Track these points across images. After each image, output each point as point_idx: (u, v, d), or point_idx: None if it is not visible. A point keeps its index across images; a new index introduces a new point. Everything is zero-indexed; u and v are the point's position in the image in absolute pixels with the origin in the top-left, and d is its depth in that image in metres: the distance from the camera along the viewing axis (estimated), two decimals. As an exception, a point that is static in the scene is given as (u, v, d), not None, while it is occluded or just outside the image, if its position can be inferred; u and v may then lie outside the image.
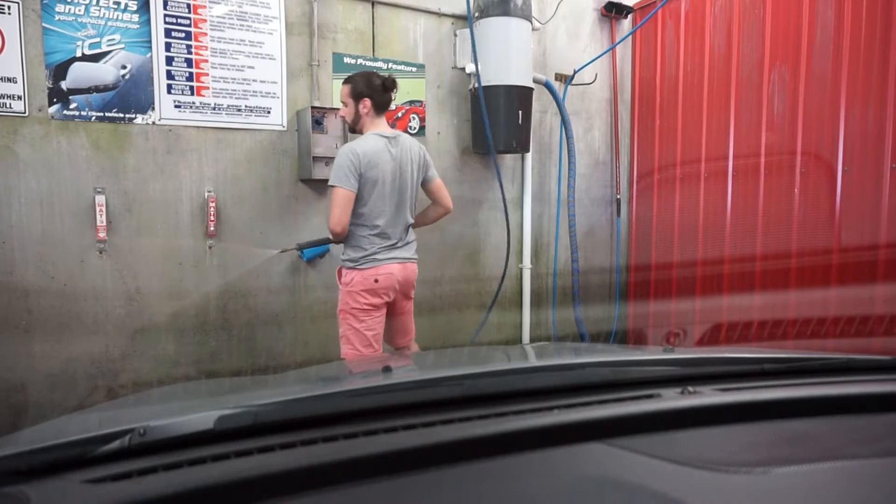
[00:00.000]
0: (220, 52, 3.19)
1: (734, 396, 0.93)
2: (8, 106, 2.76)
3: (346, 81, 2.83)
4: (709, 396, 0.93)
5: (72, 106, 2.89)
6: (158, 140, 3.07)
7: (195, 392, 1.51)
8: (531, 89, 3.79)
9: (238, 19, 3.22)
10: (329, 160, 3.34)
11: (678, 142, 4.12)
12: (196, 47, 3.13)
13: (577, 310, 4.23)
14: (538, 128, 4.19)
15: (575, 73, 4.25)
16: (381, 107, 2.77)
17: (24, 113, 2.80)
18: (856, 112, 3.14)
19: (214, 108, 3.19)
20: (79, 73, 2.89)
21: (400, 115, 3.72)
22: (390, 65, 3.67)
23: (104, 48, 2.93)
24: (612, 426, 0.83)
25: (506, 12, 3.60)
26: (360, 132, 2.81)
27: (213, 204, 3.17)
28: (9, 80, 2.76)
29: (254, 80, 3.27)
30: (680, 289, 4.05)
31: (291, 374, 1.74)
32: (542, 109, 4.19)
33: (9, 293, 2.82)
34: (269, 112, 3.32)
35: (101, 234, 2.93)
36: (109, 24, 2.93)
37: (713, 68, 3.86)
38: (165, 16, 3.05)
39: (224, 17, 3.19)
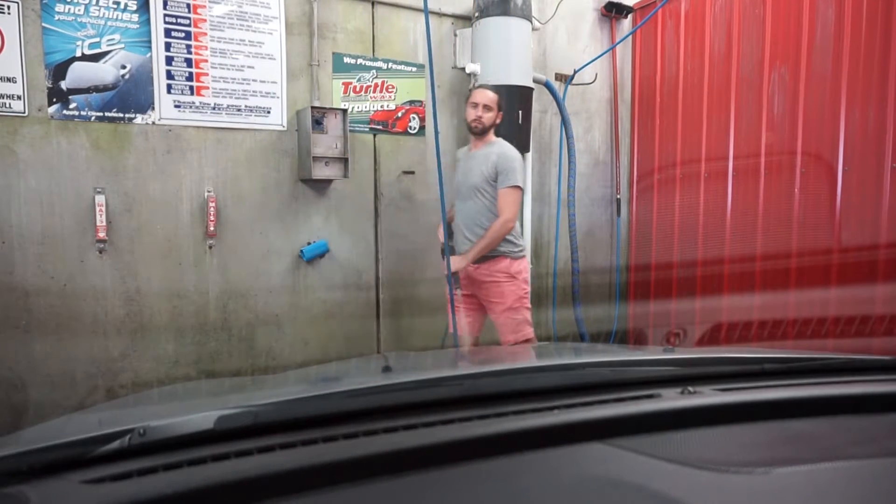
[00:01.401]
0: (220, 52, 3.19)
1: (734, 396, 0.93)
2: (8, 106, 2.76)
3: (492, 89, 3.11)
4: (709, 396, 0.93)
5: (71, 106, 2.88)
6: (158, 140, 3.07)
7: (195, 392, 1.51)
8: (531, 89, 3.79)
9: (238, 19, 3.22)
10: (329, 160, 3.35)
11: (678, 142, 4.11)
12: (196, 47, 3.13)
13: (577, 310, 4.23)
14: (538, 128, 4.19)
15: (575, 73, 4.25)
16: None
17: (24, 113, 2.80)
18: (856, 112, 3.14)
19: (214, 108, 3.19)
20: (78, 73, 2.89)
21: (400, 115, 3.72)
22: (390, 65, 3.67)
23: (104, 48, 2.93)
24: (612, 426, 0.83)
25: (506, 12, 3.60)
26: (484, 137, 3.08)
27: (213, 204, 3.16)
28: (8, 80, 2.76)
29: (254, 80, 3.27)
30: (680, 289, 4.05)
31: (291, 374, 1.74)
32: (542, 109, 4.19)
33: (9, 293, 2.82)
34: (269, 112, 3.32)
35: (101, 234, 2.93)
36: (109, 24, 2.93)
37: (713, 68, 3.86)
38: (165, 16, 3.05)
39: (224, 17, 3.19)
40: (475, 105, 3.04)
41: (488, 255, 3.01)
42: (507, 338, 3.04)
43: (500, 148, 3.04)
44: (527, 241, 4.14)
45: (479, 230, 2.99)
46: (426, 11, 2.81)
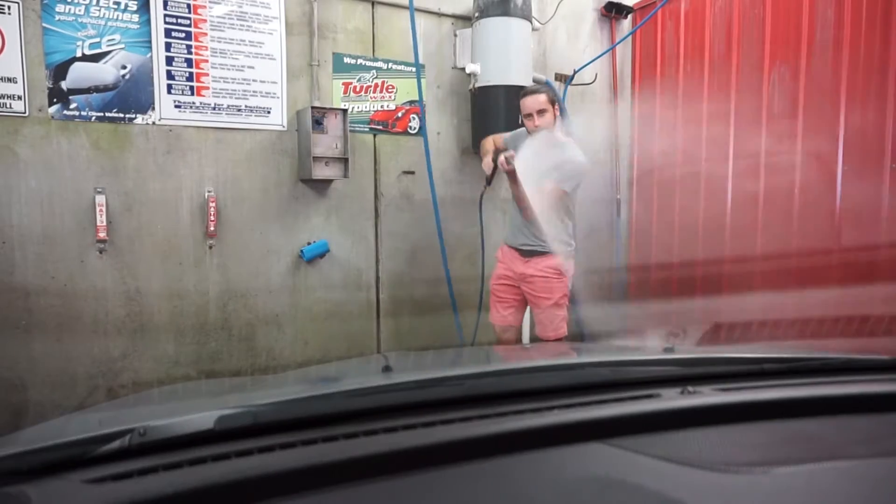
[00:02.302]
0: (220, 52, 3.19)
1: (734, 396, 0.94)
2: (8, 106, 2.76)
3: (539, 92, 3.01)
4: (709, 396, 0.93)
5: (72, 106, 2.89)
6: (158, 140, 3.07)
7: (195, 392, 1.51)
8: (531, 89, 3.79)
9: (238, 19, 3.22)
10: (329, 160, 3.35)
11: (678, 142, 4.11)
12: (196, 47, 3.13)
13: (577, 310, 4.23)
14: (538, 128, 4.18)
15: (575, 73, 4.25)
16: None
17: (25, 113, 2.80)
18: (855, 112, 3.13)
19: (214, 108, 3.19)
20: (79, 73, 2.89)
21: (400, 115, 3.72)
22: (390, 65, 3.67)
23: (104, 48, 2.93)
24: (612, 426, 0.83)
25: (506, 12, 3.60)
26: None
27: (213, 204, 3.17)
28: (9, 80, 2.76)
29: (254, 80, 3.27)
30: (680, 289, 4.05)
31: (291, 374, 1.74)
32: (542, 109, 4.18)
33: (9, 293, 2.82)
34: (269, 112, 3.32)
35: (102, 234, 2.93)
36: (109, 24, 2.93)
37: (713, 68, 3.86)
38: (165, 16, 3.05)
39: (224, 17, 3.19)
40: (529, 116, 2.97)
41: (541, 251, 3.04)
42: (546, 333, 3.10)
43: (568, 151, 2.99)
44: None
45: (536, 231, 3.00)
46: (411, 11, 2.79)
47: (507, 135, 3.24)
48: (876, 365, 1.13)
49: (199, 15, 3.13)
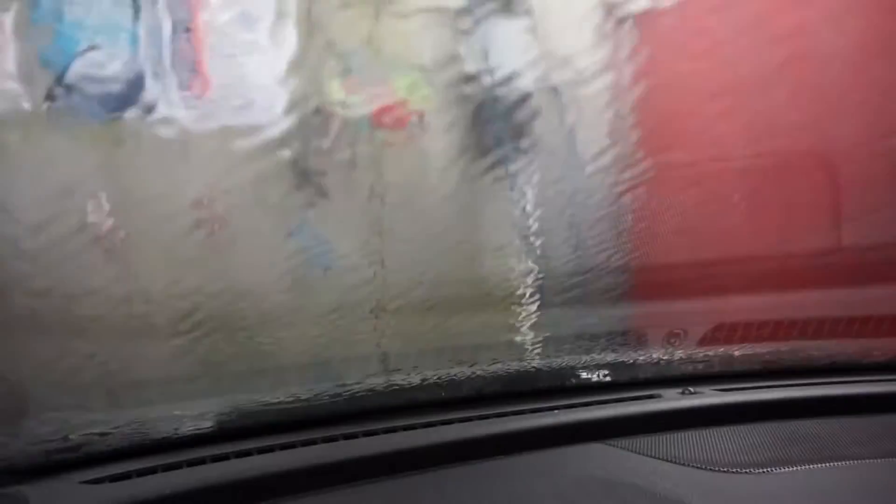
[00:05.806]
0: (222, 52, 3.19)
1: (735, 397, 0.94)
2: (5, 105, 2.76)
3: None
4: (709, 397, 0.94)
5: (71, 104, 2.88)
6: (159, 139, 3.07)
7: (195, 392, 1.51)
8: (531, 89, 3.79)
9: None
10: (329, 160, 3.35)
11: (678, 142, 4.11)
12: (198, 46, 3.13)
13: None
14: (538, 127, 4.19)
15: (575, 72, 4.25)
16: None
17: (23, 112, 2.80)
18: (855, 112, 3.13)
19: (216, 107, 3.19)
20: (78, 71, 2.89)
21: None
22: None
23: (104, 47, 2.93)
24: (613, 426, 0.84)
25: (506, 12, 3.60)
26: None
27: (215, 202, 3.16)
28: (6, 78, 2.75)
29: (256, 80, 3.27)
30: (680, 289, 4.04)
31: (291, 375, 1.74)
32: (542, 109, 4.19)
33: (8, 293, 2.82)
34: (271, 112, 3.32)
35: (102, 234, 2.92)
36: (109, 21, 2.93)
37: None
38: (167, 15, 3.05)
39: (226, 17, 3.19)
40: None
41: None
42: None
43: None
44: (527, 241, 4.15)
45: None
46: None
47: None
48: (876, 365, 1.13)
49: (201, 13, 3.13)
